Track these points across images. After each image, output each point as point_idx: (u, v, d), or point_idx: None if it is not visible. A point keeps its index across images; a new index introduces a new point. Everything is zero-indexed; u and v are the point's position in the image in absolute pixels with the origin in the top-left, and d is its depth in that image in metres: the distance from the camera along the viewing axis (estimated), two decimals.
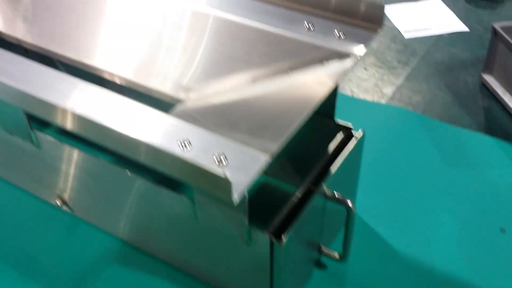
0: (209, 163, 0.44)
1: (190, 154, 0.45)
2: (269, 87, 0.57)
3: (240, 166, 0.44)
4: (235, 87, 0.61)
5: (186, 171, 0.44)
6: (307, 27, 0.60)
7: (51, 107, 0.51)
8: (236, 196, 0.41)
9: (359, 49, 0.57)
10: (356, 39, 0.57)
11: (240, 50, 0.61)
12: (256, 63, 0.60)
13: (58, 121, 0.51)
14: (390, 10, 1.13)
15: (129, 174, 0.57)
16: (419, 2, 1.16)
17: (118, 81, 0.61)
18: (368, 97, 0.90)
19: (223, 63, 0.62)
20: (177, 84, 0.61)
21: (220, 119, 0.53)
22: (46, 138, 0.61)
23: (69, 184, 0.65)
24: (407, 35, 1.05)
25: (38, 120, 0.57)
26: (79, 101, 0.51)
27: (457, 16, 1.10)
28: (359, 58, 0.56)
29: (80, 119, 0.49)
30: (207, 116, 0.55)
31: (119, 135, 0.47)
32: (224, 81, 0.61)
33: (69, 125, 0.51)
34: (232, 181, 0.41)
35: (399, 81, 0.94)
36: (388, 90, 0.91)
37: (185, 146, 0.46)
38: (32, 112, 0.54)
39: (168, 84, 0.61)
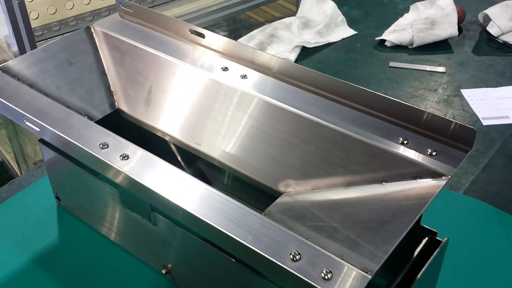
0: (317, 279, 0.51)
1: (298, 265, 0.52)
2: (364, 195, 0.64)
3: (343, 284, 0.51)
4: (331, 189, 0.68)
5: (294, 283, 0.52)
6: (401, 141, 0.66)
7: (178, 209, 0.59)
8: None
9: (450, 169, 0.63)
10: (447, 158, 0.64)
11: (338, 155, 0.68)
12: (352, 170, 0.67)
13: (180, 219, 0.60)
14: (468, 94, 1.18)
15: (234, 263, 0.65)
16: (499, 88, 1.20)
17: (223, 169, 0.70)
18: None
19: (321, 165, 0.69)
20: (278, 178, 0.69)
21: (320, 221, 0.60)
22: (163, 219, 0.70)
23: (176, 258, 0.74)
24: (485, 122, 1.10)
25: None
26: (206, 209, 0.59)
27: None
28: (449, 177, 0.62)
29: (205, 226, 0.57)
30: (307, 216, 0.63)
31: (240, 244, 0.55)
32: (320, 182, 0.69)
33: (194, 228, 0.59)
34: None
35: (476, 170, 0.98)
36: (465, 180, 0.96)
37: (295, 257, 0.53)
38: (157, 206, 0.62)
39: (271, 178, 0.69)
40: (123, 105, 0.85)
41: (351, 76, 1.25)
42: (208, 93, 0.79)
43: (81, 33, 0.89)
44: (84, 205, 0.83)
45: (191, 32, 0.85)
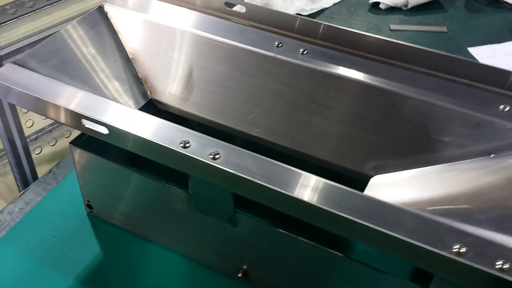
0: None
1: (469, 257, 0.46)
2: (476, 170, 0.60)
3: None
4: (430, 167, 0.63)
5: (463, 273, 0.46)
6: (502, 108, 0.62)
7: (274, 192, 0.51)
8: None
9: None
10: None
11: (432, 130, 0.63)
12: (452, 144, 0.62)
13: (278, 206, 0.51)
14: (477, 53, 1.17)
15: (337, 254, 0.58)
16: (503, 44, 1.19)
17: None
18: None
19: (413, 141, 0.64)
20: (364, 161, 0.63)
21: (444, 204, 0.55)
22: (245, 218, 0.62)
23: (256, 258, 0.66)
24: None
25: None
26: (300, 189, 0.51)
27: None
28: None
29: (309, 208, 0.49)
30: (421, 199, 0.57)
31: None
32: (413, 161, 0.63)
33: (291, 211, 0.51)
34: None
35: None
36: None
37: (460, 249, 0.47)
38: (275, 206, 0.53)
39: (355, 161, 0.63)
40: (157, 94, 0.75)
41: None
42: (264, 73, 0.71)
43: (94, 15, 0.77)
44: (130, 212, 0.73)
45: (226, 5, 0.76)
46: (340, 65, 0.68)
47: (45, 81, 0.63)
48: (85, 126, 0.57)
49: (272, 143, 0.69)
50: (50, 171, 0.85)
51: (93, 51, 0.74)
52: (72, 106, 0.58)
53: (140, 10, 0.77)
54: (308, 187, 0.51)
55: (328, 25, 0.71)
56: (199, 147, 0.55)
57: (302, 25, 0.72)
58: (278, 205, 0.52)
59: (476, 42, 1.20)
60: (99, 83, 0.72)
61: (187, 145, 0.55)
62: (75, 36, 0.73)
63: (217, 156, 0.54)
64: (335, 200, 0.49)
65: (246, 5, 0.74)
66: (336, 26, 0.70)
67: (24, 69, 0.65)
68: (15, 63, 0.65)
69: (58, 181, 0.83)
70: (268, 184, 0.51)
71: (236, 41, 0.72)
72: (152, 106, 0.75)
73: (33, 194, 0.81)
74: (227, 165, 0.53)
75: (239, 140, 0.73)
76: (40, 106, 0.59)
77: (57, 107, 0.58)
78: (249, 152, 0.55)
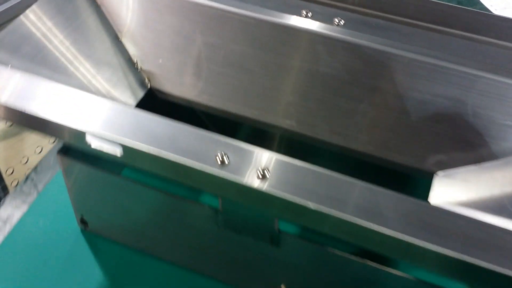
0: None
1: None
2: None
3: None
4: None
5: None
6: None
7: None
8: None
9: None
10: None
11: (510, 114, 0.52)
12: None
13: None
14: (490, 4, 1.06)
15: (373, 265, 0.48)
16: None
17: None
18: None
19: (485, 130, 0.53)
20: (422, 155, 0.52)
21: None
22: (291, 238, 0.51)
23: (297, 277, 0.55)
24: None
25: None
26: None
27: None
28: None
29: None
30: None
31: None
32: (485, 151, 0.53)
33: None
34: None
35: None
36: None
37: None
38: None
39: (412, 156, 0.52)
40: (157, 82, 0.61)
41: None
42: (291, 50, 0.57)
43: None
44: (135, 228, 0.60)
45: None
46: (386, 37, 0.55)
47: (23, 79, 0.48)
48: (92, 146, 0.43)
49: (308, 137, 0.57)
50: (27, 178, 0.71)
51: (73, 32, 0.58)
52: (72, 121, 0.44)
53: None
54: (390, 209, 0.39)
55: None
56: (241, 162, 0.43)
57: None
58: (351, 237, 0.40)
59: None
60: (86, 73, 0.57)
61: (225, 160, 0.43)
62: (50, 13, 0.58)
63: (266, 174, 0.42)
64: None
65: None
66: None
67: None
68: None
69: (39, 190, 0.69)
70: (341, 214, 0.39)
71: (253, 11, 0.58)
72: (154, 98, 0.61)
73: (10, 208, 0.67)
74: (280, 186, 0.41)
75: (265, 135, 0.60)
76: (26, 121, 0.45)
77: (46, 122, 0.44)
78: (306, 165, 0.43)
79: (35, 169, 0.72)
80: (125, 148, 0.42)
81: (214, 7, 0.59)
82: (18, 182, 0.69)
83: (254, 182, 0.41)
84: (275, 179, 0.42)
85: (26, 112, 0.45)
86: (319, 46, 0.56)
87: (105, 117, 0.45)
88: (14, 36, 0.54)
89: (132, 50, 0.62)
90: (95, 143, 0.42)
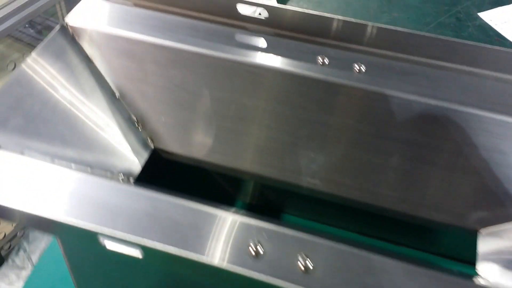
0: None
1: None
2: None
3: None
4: None
5: None
6: None
7: None
8: None
9: None
10: None
11: None
12: None
13: None
14: (490, 18, 1.02)
15: None
16: None
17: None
18: None
19: None
20: (462, 211, 0.47)
21: None
22: None
23: None
24: None
25: None
26: None
27: None
28: None
29: None
30: None
31: None
32: None
33: None
34: None
35: None
36: None
37: None
38: None
39: (450, 212, 0.48)
40: (161, 142, 0.56)
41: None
42: (310, 101, 0.52)
43: (57, 39, 0.55)
44: None
45: (239, 9, 0.56)
46: (414, 84, 0.51)
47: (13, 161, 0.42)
48: (108, 248, 0.37)
49: (336, 196, 0.52)
50: (19, 249, 0.64)
51: (66, 93, 0.52)
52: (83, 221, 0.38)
53: (118, 24, 0.56)
54: None
55: (377, 26, 0.53)
56: (279, 252, 0.37)
57: (344, 28, 0.54)
58: None
59: (484, 4, 1.05)
60: (86, 138, 0.51)
61: (260, 250, 0.37)
62: (39, 74, 0.52)
63: (309, 266, 0.36)
64: None
65: (269, 8, 0.55)
66: (386, 27, 0.53)
67: None
68: None
69: (34, 263, 0.62)
70: None
71: (265, 61, 0.53)
72: (160, 159, 0.55)
73: (4, 285, 0.61)
74: (327, 280, 0.36)
75: (286, 195, 0.55)
76: (23, 218, 0.39)
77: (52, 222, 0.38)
78: (350, 248, 0.38)
79: (23, 234, 0.65)
80: (146, 249, 0.36)
81: (222, 58, 0.54)
82: (10, 245, 0.63)
83: (296, 277, 0.36)
84: (321, 270, 0.36)
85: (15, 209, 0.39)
86: (341, 96, 0.51)
87: (113, 208, 0.39)
88: (3, 102, 0.48)
89: (130, 108, 0.56)
90: (110, 245, 0.36)
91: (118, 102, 0.56)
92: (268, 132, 0.53)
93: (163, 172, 0.56)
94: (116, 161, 0.53)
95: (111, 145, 0.53)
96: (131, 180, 0.52)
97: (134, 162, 0.54)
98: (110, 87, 0.56)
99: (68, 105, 0.52)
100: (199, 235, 0.38)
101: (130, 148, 0.54)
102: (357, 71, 0.52)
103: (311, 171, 0.52)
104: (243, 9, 0.55)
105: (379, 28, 0.53)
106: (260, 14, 0.55)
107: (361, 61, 0.53)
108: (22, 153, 0.46)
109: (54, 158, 0.47)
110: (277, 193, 0.57)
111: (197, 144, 0.55)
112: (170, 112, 0.55)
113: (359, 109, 0.51)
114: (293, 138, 0.53)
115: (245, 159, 0.54)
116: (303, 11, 0.54)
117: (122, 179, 0.52)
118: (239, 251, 0.37)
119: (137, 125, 0.56)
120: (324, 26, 0.54)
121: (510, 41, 0.97)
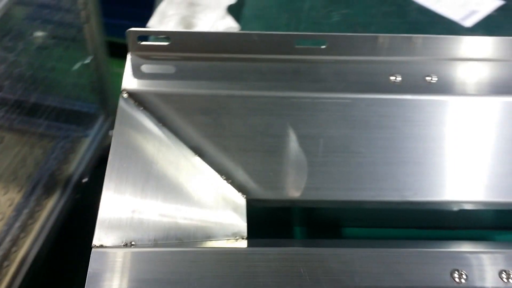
0: None
1: None
2: None
3: None
4: None
5: None
6: None
7: None
8: None
9: None
10: None
11: None
12: None
13: None
14: None
15: None
16: None
17: None
18: None
19: None
20: None
21: None
22: None
23: None
24: (467, 23, 1.05)
25: None
26: None
27: None
28: None
29: None
30: None
31: None
32: None
33: None
34: None
35: None
36: None
37: None
38: None
39: None
40: (251, 192, 0.55)
41: (331, 26, 1.04)
42: (395, 120, 0.55)
43: (125, 113, 0.51)
44: None
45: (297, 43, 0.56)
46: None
47: None
48: None
49: (434, 202, 0.55)
50: None
51: (144, 164, 0.49)
52: None
53: (178, 82, 0.53)
54: None
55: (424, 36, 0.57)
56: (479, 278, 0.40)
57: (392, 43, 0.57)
58: None
59: None
60: (179, 210, 0.49)
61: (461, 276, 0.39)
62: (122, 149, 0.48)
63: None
64: None
65: (329, 37, 0.55)
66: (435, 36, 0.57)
67: None
68: None
69: None
70: None
71: (343, 91, 0.54)
72: (253, 210, 0.54)
73: None
74: None
75: (393, 215, 0.57)
76: None
77: None
78: None
79: None
80: None
81: (300, 96, 0.54)
82: None
83: None
84: None
85: None
86: (421, 113, 0.54)
87: None
88: None
89: (212, 164, 0.54)
90: None
91: (197, 160, 0.53)
92: (360, 158, 0.54)
93: (259, 221, 0.55)
94: (218, 224, 0.51)
95: (209, 207, 0.51)
96: (244, 238, 0.51)
97: (236, 219, 0.52)
98: (184, 145, 0.53)
99: (153, 173, 0.49)
100: None
101: (228, 206, 0.52)
102: (428, 81, 0.55)
103: (410, 185, 0.54)
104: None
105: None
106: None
107: (428, 72, 0.56)
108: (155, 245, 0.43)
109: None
110: (384, 215, 0.59)
111: (291, 185, 0.54)
112: (257, 160, 0.54)
113: (439, 121, 0.54)
114: (385, 158, 0.54)
115: (343, 189, 0.54)
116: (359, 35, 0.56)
117: (236, 239, 0.50)
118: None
119: (226, 180, 0.54)
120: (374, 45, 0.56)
121: (449, 19, 1.06)
